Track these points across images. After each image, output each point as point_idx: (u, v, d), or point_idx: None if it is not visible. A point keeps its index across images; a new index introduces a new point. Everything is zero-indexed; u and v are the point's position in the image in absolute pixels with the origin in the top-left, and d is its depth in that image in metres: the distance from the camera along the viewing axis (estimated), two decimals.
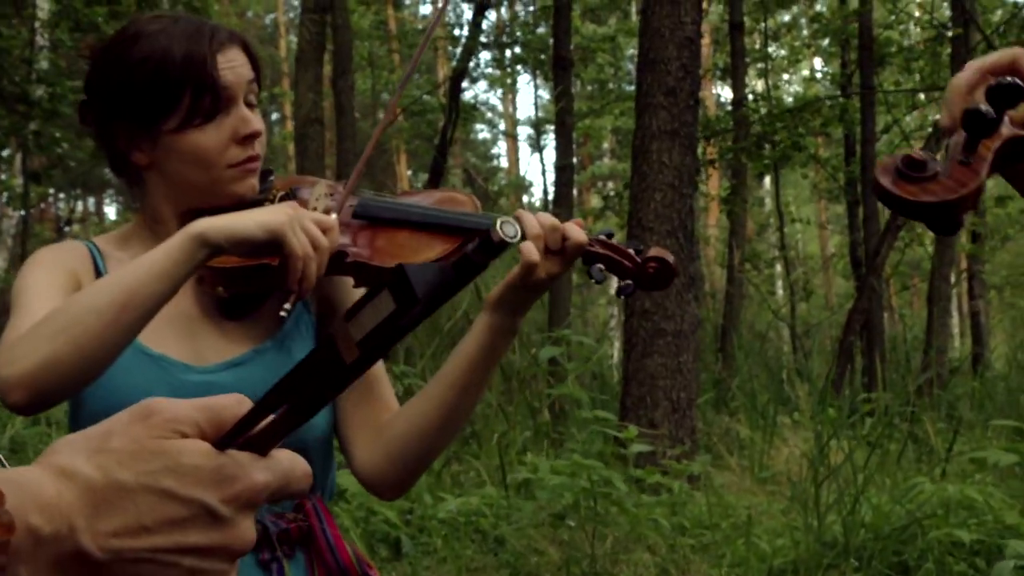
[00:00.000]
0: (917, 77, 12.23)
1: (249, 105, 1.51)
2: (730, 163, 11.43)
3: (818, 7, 16.49)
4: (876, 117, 11.50)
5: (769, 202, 18.34)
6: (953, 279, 12.17)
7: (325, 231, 1.41)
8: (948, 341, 11.68)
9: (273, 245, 1.38)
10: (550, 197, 14.80)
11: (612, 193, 14.79)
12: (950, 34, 10.37)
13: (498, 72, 20.71)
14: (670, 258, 1.56)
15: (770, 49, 15.18)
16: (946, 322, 10.67)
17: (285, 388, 0.61)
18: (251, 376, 1.48)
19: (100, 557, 0.59)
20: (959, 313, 17.25)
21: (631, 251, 1.56)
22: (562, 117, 9.86)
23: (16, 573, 0.57)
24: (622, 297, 1.61)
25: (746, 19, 12.66)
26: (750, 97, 12.64)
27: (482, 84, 24.45)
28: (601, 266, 1.55)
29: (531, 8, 18.19)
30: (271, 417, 0.62)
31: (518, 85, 25.43)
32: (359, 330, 0.58)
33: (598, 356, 5.88)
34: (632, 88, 10.29)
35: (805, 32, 18.07)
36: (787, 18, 18.49)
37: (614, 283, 1.61)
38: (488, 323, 1.53)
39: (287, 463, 0.65)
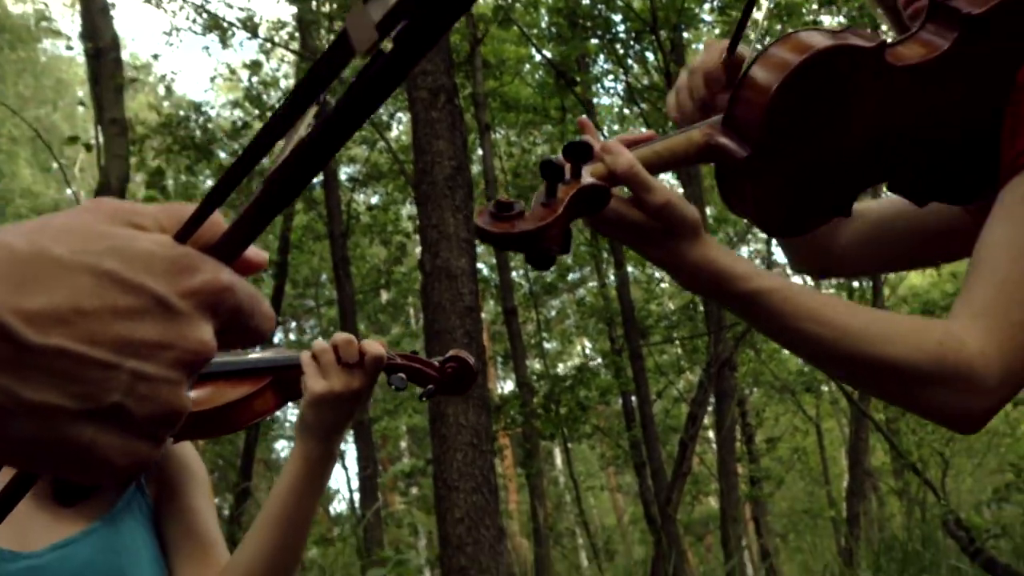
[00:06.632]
0: (677, 343, 13.35)
1: None
2: (523, 433, 11.95)
3: (580, 292, 17.86)
4: (648, 382, 12.40)
5: (563, 479, 18.91)
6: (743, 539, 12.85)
7: None
8: None
9: None
10: (356, 503, 14.82)
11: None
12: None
13: None
14: (470, 359, 1.61)
15: (544, 335, 16.21)
16: (743, 564, 11.18)
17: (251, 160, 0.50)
18: (76, 555, 1.47)
19: (27, 338, 0.46)
20: (752, 564, 17.93)
21: (432, 360, 1.64)
22: (359, 419, 10.20)
23: None
24: (424, 400, 1.67)
25: (519, 308, 13.62)
26: (533, 378, 13.40)
27: None
28: (402, 375, 1.61)
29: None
30: (235, 221, 0.52)
31: None
32: None
33: None
34: None
35: (571, 320, 19.40)
36: (554, 313, 19.85)
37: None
38: (300, 452, 1.52)
39: (253, 288, 0.54)
